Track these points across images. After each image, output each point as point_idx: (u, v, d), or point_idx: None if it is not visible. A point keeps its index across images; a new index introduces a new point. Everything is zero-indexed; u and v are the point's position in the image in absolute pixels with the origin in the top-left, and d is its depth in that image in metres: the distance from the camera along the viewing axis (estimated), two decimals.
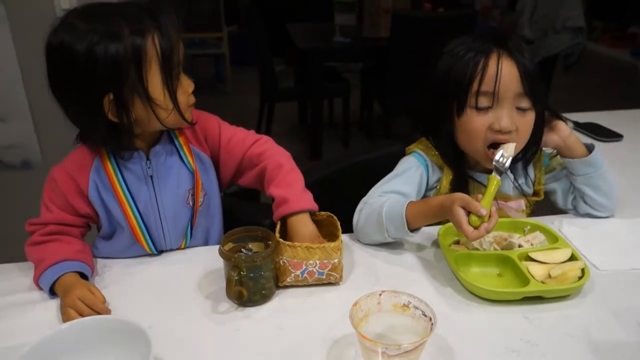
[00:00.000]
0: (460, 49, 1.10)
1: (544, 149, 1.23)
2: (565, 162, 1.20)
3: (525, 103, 1.08)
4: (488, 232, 0.94)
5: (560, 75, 4.29)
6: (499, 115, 1.07)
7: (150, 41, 0.93)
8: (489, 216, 0.95)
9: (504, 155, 0.98)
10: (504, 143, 1.07)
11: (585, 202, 1.20)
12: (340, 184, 1.44)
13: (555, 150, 1.22)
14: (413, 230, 1.05)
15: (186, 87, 1.01)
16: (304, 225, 1.03)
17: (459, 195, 0.95)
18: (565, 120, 1.19)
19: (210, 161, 1.14)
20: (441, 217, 0.98)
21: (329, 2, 5.73)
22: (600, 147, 1.18)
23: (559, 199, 1.25)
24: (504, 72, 1.05)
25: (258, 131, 1.18)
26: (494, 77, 1.05)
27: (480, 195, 0.98)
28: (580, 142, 1.18)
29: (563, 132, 1.17)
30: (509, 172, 1.20)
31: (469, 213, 0.95)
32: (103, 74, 0.91)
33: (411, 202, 1.06)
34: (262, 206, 1.26)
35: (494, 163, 0.98)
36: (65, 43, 0.90)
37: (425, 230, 1.15)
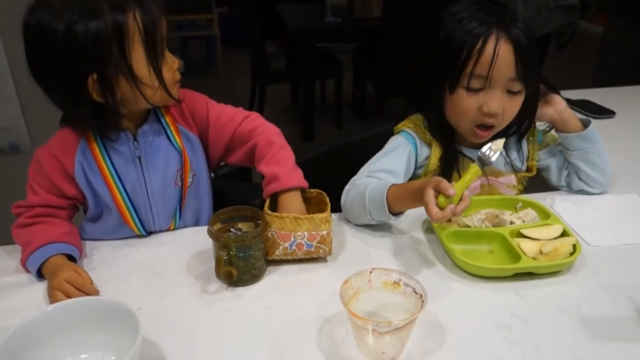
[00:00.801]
0: (463, 15, 1.07)
1: (537, 124, 1.22)
2: (561, 136, 1.19)
3: (516, 87, 1.07)
4: (455, 215, 0.90)
5: (553, 54, 4.26)
6: (488, 98, 1.06)
7: (131, 17, 0.90)
8: (460, 200, 0.91)
9: (492, 148, 0.96)
10: (491, 126, 1.07)
11: (580, 178, 1.20)
12: (332, 165, 1.43)
13: (549, 126, 1.22)
14: (396, 214, 1.04)
15: (171, 63, 0.99)
16: (293, 202, 1.02)
17: (435, 177, 0.93)
18: (559, 93, 1.18)
19: (199, 140, 1.12)
20: (420, 201, 0.94)
21: None
22: (593, 124, 1.17)
23: (553, 176, 1.24)
24: (500, 57, 1.03)
25: None
26: (489, 62, 1.03)
27: (453, 182, 0.94)
28: (575, 116, 1.17)
29: (559, 106, 1.16)
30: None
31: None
32: (84, 54, 0.88)
33: (393, 185, 1.04)
34: (254, 186, 1.25)
35: (479, 154, 0.96)
36: (43, 23, 0.87)
37: (418, 211, 1.13)
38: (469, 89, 1.07)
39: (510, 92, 1.07)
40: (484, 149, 0.96)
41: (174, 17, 5.17)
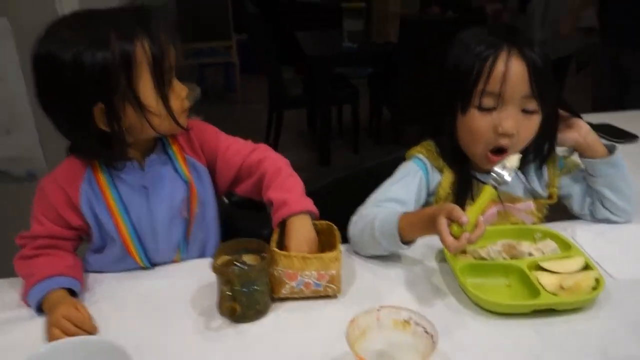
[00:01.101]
0: (470, 40, 1.05)
1: (558, 150, 1.17)
2: (585, 162, 1.14)
3: (531, 105, 1.03)
4: (470, 242, 0.86)
5: (572, 76, 4.21)
6: (502, 117, 1.02)
7: (139, 47, 0.90)
8: (475, 227, 0.87)
9: (506, 166, 0.92)
10: (505, 150, 1.02)
11: (604, 206, 1.14)
12: (349, 191, 1.39)
13: (569, 152, 1.17)
14: (407, 242, 1.00)
15: (179, 91, 0.98)
16: (303, 226, 0.99)
17: (448, 205, 0.90)
18: (581, 117, 1.14)
19: (207, 170, 1.10)
20: (432, 229, 0.90)
21: (338, 9, 5.71)
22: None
23: (575, 204, 1.19)
24: (512, 73, 1.00)
25: (267, 139, 1.16)
26: (500, 78, 1.00)
27: (467, 207, 0.91)
28: (599, 141, 1.13)
29: (582, 129, 1.12)
30: (520, 173, 1.14)
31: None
32: (91, 83, 0.88)
33: (404, 213, 1.00)
34: (263, 216, 1.22)
35: (492, 173, 0.92)
36: (52, 52, 0.87)
37: (430, 240, 1.09)
38: (482, 108, 1.03)
39: (526, 112, 1.03)
40: (497, 167, 0.92)
41: (193, 44, 5.25)
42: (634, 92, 1.99)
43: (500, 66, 1.01)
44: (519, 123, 1.03)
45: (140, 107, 0.92)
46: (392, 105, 3.74)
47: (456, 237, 0.87)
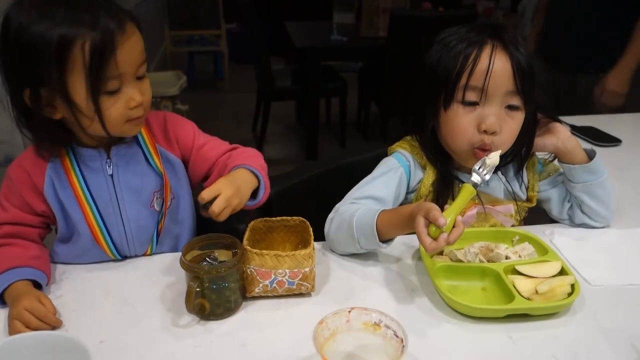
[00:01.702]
0: (452, 39, 1.03)
1: (537, 154, 1.16)
2: (564, 168, 1.12)
3: (515, 101, 1.01)
4: (449, 243, 0.85)
5: None
6: (486, 113, 1.01)
7: (78, 45, 0.83)
8: (453, 227, 0.86)
9: (486, 162, 0.91)
10: (488, 150, 1.01)
11: (583, 212, 1.13)
12: (331, 185, 1.37)
13: (550, 156, 1.15)
14: (385, 241, 0.98)
15: (128, 99, 0.90)
16: (242, 176, 0.98)
17: (426, 204, 0.88)
18: (562, 122, 1.12)
19: (182, 164, 1.08)
20: (411, 227, 0.90)
21: (329, 0, 5.66)
22: (597, 152, 1.11)
23: (554, 208, 1.18)
24: (496, 67, 0.98)
25: (254, 130, 1.14)
26: (484, 72, 0.98)
27: (447, 206, 0.90)
28: (580, 146, 1.11)
29: (562, 134, 1.10)
30: (500, 175, 1.13)
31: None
32: (21, 64, 0.85)
33: (383, 211, 0.98)
34: (240, 212, 1.20)
35: (472, 171, 0.91)
36: (9, 15, 0.84)
37: (408, 239, 1.08)
38: (465, 103, 1.01)
39: (509, 109, 1.01)
40: (477, 164, 0.91)
41: (183, 31, 5.20)
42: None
43: (484, 61, 0.99)
44: (502, 121, 1.01)
45: (69, 104, 0.87)
46: (380, 100, 3.72)
47: (434, 238, 0.85)
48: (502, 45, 1.00)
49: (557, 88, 2.12)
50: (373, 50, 3.58)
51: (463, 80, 1.00)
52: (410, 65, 1.13)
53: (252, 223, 0.99)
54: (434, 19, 3.42)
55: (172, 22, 5.19)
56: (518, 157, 1.12)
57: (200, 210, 0.93)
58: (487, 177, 0.91)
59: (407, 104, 1.14)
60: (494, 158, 0.92)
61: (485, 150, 1.03)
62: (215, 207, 0.90)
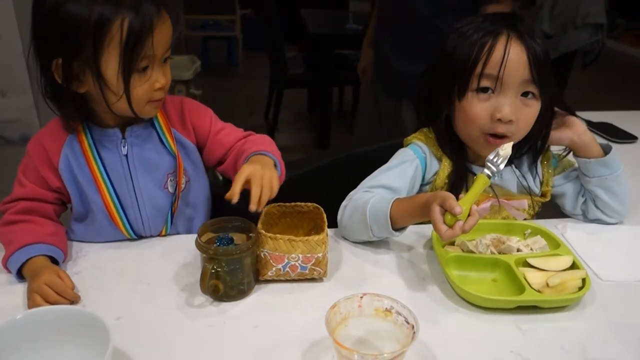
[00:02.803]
0: (468, 28, 1.04)
1: (552, 149, 1.16)
2: (579, 162, 1.12)
3: (532, 89, 1.01)
4: (464, 231, 0.86)
5: (578, 72, 4.17)
6: (500, 103, 1.01)
7: (118, 21, 0.85)
8: (469, 215, 0.87)
9: (499, 154, 0.91)
10: (504, 137, 1.01)
11: (597, 207, 1.13)
12: (344, 174, 1.38)
13: (564, 151, 1.15)
14: (398, 229, 0.99)
15: (153, 81, 0.93)
16: (265, 163, 0.97)
17: (442, 192, 0.89)
18: (578, 116, 1.12)
19: (196, 149, 1.09)
20: (425, 216, 0.91)
21: None
22: (612, 148, 1.11)
23: (568, 203, 1.18)
24: (511, 56, 0.98)
25: (266, 116, 1.15)
26: (500, 61, 0.99)
27: (461, 195, 0.90)
28: (595, 140, 1.11)
29: (578, 128, 1.10)
30: (515, 169, 1.13)
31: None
32: (58, 36, 0.87)
33: (397, 199, 0.99)
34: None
35: (486, 162, 0.91)
36: None
37: (419, 228, 1.09)
38: (480, 90, 1.01)
39: (525, 97, 1.01)
40: (491, 155, 0.91)
41: (197, 16, 5.19)
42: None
43: (499, 50, 0.99)
44: (517, 110, 1.01)
45: (99, 79, 0.89)
46: None
47: (449, 226, 0.86)
48: (518, 34, 1.00)
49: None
50: None
51: (478, 68, 1.00)
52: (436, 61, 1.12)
53: (266, 208, 1.00)
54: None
55: (187, 6, 5.19)
56: (533, 148, 1.12)
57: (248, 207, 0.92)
58: (502, 167, 0.91)
59: (423, 94, 1.15)
60: (506, 149, 0.92)
61: (498, 137, 1.03)
62: (254, 196, 0.90)
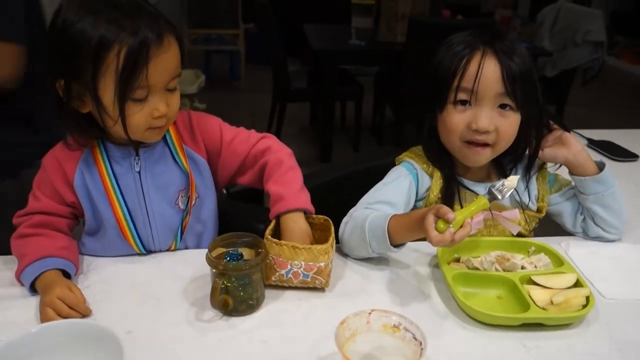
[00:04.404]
0: (454, 42, 1.08)
1: (548, 167, 1.18)
2: (575, 180, 1.14)
3: (507, 102, 1.04)
4: (454, 241, 0.87)
5: (578, 89, 4.21)
6: (477, 114, 1.04)
7: (115, 51, 0.86)
8: (461, 227, 0.88)
9: (505, 184, 0.93)
10: (486, 144, 1.05)
11: (596, 223, 1.15)
12: (347, 189, 1.39)
13: (558, 168, 1.18)
14: (397, 245, 1.00)
15: (152, 109, 0.93)
16: (295, 223, 1.00)
17: (438, 205, 0.90)
18: (569, 130, 1.14)
19: (206, 164, 1.10)
20: (422, 230, 0.91)
21: (347, 4, 5.69)
22: (614, 166, 1.14)
23: (567, 221, 1.19)
24: (485, 71, 1.02)
25: (269, 130, 1.16)
26: (474, 75, 1.02)
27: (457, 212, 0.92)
28: (590, 159, 1.13)
29: (574, 147, 1.12)
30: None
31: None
32: (62, 57, 0.90)
33: (395, 215, 1.01)
34: (261, 210, 1.22)
35: (491, 188, 0.93)
36: (58, 9, 0.89)
37: (424, 246, 1.10)
38: (456, 103, 1.05)
39: (502, 108, 1.04)
40: (498, 184, 0.93)
41: (200, 30, 5.24)
42: None
43: (474, 65, 1.03)
44: (495, 120, 1.04)
45: (97, 103, 0.91)
46: (395, 106, 3.74)
47: (440, 232, 0.87)
48: (493, 50, 1.03)
49: None
50: (390, 56, 3.60)
51: (455, 83, 1.04)
52: (426, 72, 1.15)
53: (274, 220, 1.02)
54: (452, 26, 3.43)
55: (190, 20, 5.25)
56: (523, 162, 1.15)
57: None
58: (506, 197, 0.93)
59: (421, 108, 1.18)
60: (512, 181, 0.94)
61: (479, 145, 1.06)
62: None
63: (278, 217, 1.02)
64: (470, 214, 0.90)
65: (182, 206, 1.07)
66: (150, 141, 1.01)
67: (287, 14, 5.32)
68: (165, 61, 0.91)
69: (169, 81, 0.94)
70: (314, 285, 0.96)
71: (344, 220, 1.10)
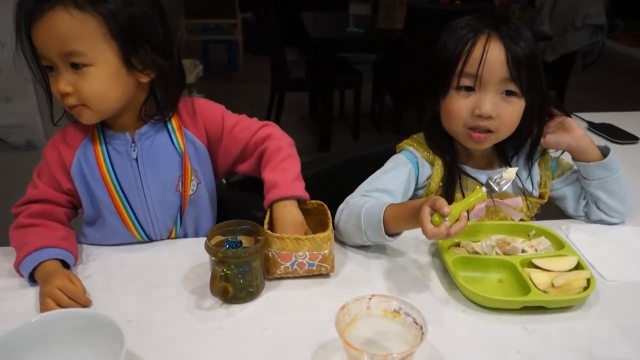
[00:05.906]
0: (458, 26, 1.06)
1: (550, 152, 1.17)
2: (578, 165, 1.14)
3: (512, 87, 1.03)
4: (450, 235, 0.86)
5: (578, 73, 4.19)
6: (480, 100, 1.03)
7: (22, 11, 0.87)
8: (457, 220, 0.87)
9: (503, 176, 0.92)
10: (489, 131, 1.04)
11: (599, 208, 1.14)
12: (346, 177, 1.39)
13: (561, 154, 1.17)
14: (392, 235, 0.99)
15: (54, 82, 0.91)
16: (288, 212, 1.00)
17: (434, 197, 0.89)
18: (575, 116, 1.13)
19: (206, 150, 1.10)
20: (417, 221, 0.88)
21: None
22: (614, 149, 1.12)
23: (570, 206, 1.19)
24: (489, 56, 1.00)
25: (268, 120, 1.15)
26: (478, 60, 1.01)
27: (455, 203, 0.91)
28: (594, 144, 1.12)
29: (576, 133, 1.11)
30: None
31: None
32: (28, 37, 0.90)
33: (391, 204, 1.00)
34: (259, 198, 1.22)
35: (487, 179, 0.92)
36: None
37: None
38: (460, 88, 1.04)
39: (506, 94, 1.03)
40: (495, 176, 0.92)
41: (198, 20, 5.21)
42: None
43: (478, 49, 1.01)
44: (498, 106, 1.03)
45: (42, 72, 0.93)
46: (394, 93, 3.72)
47: (436, 226, 0.87)
48: (498, 34, 1.01)
49: None
50: (389, 43, 3.58)
51: (458, 67, 1.03)
52: (425, 59, 1.15)
53: (268, 209, 1.02)
54: (451, 12, 3.40)
55: (188, 11, 5.22)
56: (525, 149, 1.14)
57: None
58: (502, 188, 0.92)
59: (423, 95, 1.17)
60: (510, 173, 0.93)
61: (482, 131, 1.05)
62: None
63: (272, 206, 1.02)
64: (466, 206, 0.89)
65: (181, 191, 1.07)
66: (80, 120, 0.97)
67: (285, 2, 5.29)
68: (47, 31, 0.86)
69: (62, 55, 0.88)
70: (320, 272, 0.96)
71: (340, 207, 1.09)
